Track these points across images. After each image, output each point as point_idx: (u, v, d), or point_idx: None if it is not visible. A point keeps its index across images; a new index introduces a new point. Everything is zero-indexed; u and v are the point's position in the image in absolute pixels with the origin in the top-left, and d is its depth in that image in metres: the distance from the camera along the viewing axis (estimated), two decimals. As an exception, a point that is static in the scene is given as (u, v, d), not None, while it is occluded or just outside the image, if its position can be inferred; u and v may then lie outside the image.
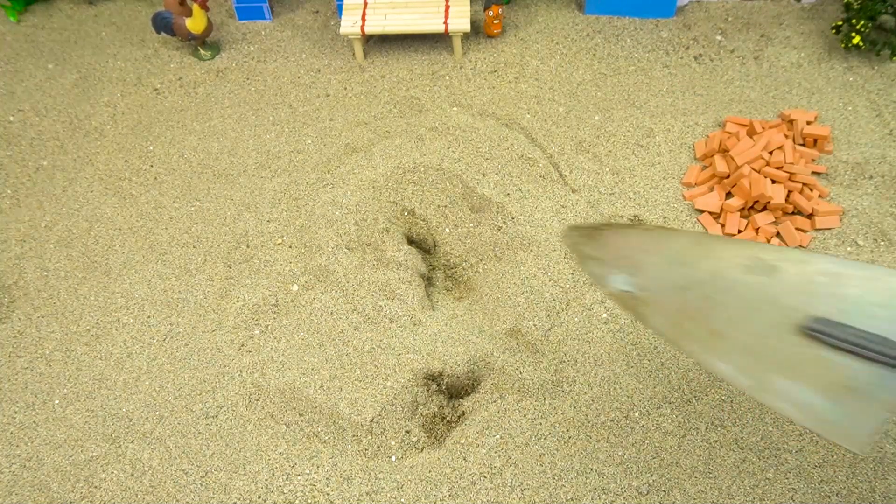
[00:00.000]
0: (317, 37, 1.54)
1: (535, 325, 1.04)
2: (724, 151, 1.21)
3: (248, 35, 1.56)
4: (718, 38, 1.45)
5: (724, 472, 0.89)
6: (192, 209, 1.24)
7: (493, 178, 1.23)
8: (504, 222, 1.17)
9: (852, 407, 0.46)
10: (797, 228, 1.11)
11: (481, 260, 1.15)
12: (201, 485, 0.92)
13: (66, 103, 1.45)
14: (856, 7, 1.32)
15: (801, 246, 1.10)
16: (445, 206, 1.21)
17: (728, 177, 1.17)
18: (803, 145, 1.22)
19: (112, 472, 0.95)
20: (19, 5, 1.63)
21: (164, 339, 1.07)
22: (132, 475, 0.94)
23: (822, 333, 0.49)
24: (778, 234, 1.11)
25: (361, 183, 1.23)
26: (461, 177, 1.22)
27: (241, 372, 1.02)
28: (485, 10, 1.46)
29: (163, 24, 1.47)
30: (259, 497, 0.91)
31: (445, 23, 1.40)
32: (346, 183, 1.24)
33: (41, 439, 0.98)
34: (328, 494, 0.90)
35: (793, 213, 1.14)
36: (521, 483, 0.89)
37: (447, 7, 1.43)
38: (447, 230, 1.19)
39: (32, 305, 1.13)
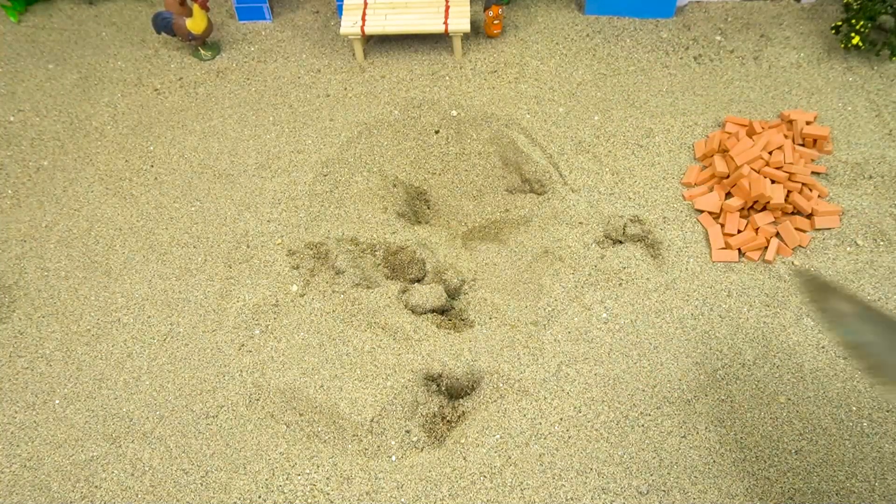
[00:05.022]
0: (317, 37, 1.54)
1: (535, 325, 1.04)
2: (723, 151, 1.21)
3: (249, 35, 1.56)
4: (718, 38, 1.45)
5: (724, 472, 0.89)
6: (193, 209, 1.24)
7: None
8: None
9: None
10: (797, 228, 1.11)
11: (481, 260, 1.15)
12: (201, 484, 0.92)
13: (67, 103, 1.45)
14: (855, 7, 1.32)
15: (800, 246, 1.10)
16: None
17: (728, 177, 1.17)
18: (803, 145, 1.22)
19: (112, 472, 0.95)
20: (19, 5, 1.63)
21: (165, 339, 1.07)
22: (132, 475, 0.94)
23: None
24: (777, 234, 1.11)
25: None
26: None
27: (241, 372, 1.02)
28: (485, 11, 1.46)
29: (163, 25, 1.47)
30: (259, 497, 0.91)
31: (445, 23, 1.40)
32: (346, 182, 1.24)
33: (42, 439, 0.98)
34: (328, 494, 0.90)
35: (792, 213, 1.14)
36: (521, 483, 0.89)
37: (447, 7, 1.43)
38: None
39: (33, 305, 1.13)
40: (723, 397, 0.96)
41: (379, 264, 1.13)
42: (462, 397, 1.00)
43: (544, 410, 0.95)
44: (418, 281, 1.12)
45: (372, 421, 0.95)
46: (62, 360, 1.06)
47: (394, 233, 1.14)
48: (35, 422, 1.00)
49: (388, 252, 1.13)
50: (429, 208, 1.24)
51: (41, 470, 0.96)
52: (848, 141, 1.24)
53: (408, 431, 0.95)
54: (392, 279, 1.12)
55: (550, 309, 1.05)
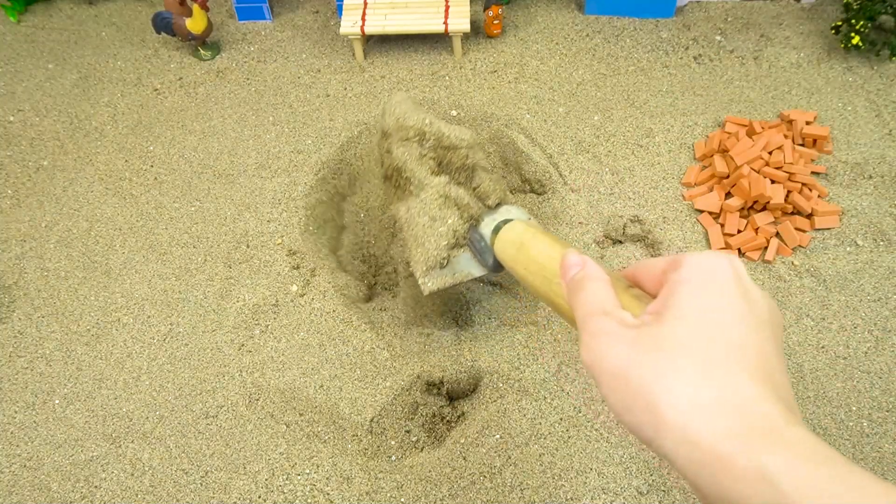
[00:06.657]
0: (317, 37, 1.54)
1: (535, 325, 1.04)
2: (723, 151, 1.21)
3: (248, 35, 1.56)
4: (718, 38, 1.45)
5: (724, 471, 0.89)
6: (193, 209, 1.24)
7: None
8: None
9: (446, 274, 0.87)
10: (797, 228, 1.11)
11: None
12: (201, 485, 0.92)
13: (66, 103, 1.45)
14: (855, 7, 1.32)
15: (800, 246, 1.11)
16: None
17: (728, 177, 1.17)
18: (803, 145, 1.22)
19: (112, 472, 0.95)
20: (19, 5, 1.63)
21: (164, 339, 1.07)
22: (132, 475, 0.94)
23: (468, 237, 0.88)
24: (777, 235, 1.11)
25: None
26: (461, 177, 1.22)
27: (241, 372, 1.02)
28: (485, 11, 1.46)
29: (163, 24, 1.48)
30: (259, 497, 0.91)
31: (445, 23, 1.40)
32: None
33: (41, 439, 0.99)
34: (328, 494, 0.90)
35: (792, 213, 1.14)
36: (521, 483, 0.89)
37: (447, 7, 1.43)
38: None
39: (32, 305, 1.13)
40: (723, 397, 0.96)
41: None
42: (462, 398, 1.00)
43: (544, 410, 0.95)
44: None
45: (372, 421, 0.95)
46: (62, 360, 1.06)
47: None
48: (35, 422, 1.00)
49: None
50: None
51: (41, 470, 0.96)
52: (848, 141, 1.24)
53: (408, 431, 0.95)
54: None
55: (550, 308, 1.05)
